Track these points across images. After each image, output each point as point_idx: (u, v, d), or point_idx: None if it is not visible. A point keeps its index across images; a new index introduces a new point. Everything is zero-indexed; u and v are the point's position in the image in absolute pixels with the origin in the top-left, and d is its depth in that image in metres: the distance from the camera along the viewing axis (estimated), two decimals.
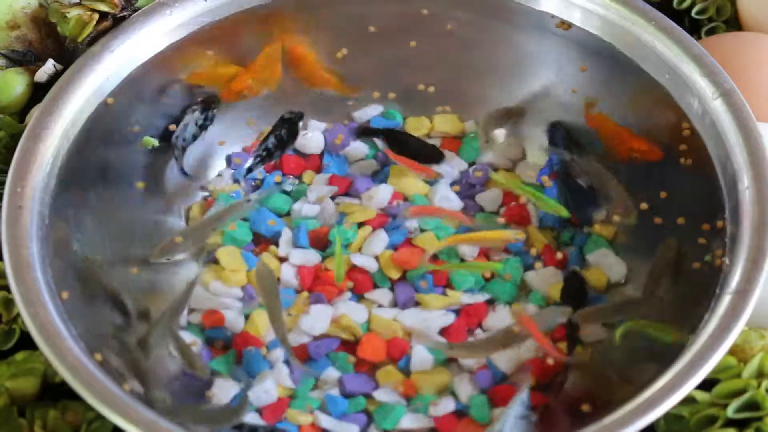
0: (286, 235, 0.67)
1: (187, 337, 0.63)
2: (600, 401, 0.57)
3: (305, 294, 0.65)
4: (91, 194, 0.63)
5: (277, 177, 0.70)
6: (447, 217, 0.67)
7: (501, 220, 0.68)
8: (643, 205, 0.64)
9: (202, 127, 0.68)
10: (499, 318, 0.64)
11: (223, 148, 0.71)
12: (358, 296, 0.66)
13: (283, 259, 0.67)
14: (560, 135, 0.69)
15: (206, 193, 0.70)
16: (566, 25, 0.67)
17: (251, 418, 0.61)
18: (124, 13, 0.65)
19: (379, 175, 0.70)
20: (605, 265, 0.66)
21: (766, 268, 0.56)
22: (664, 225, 0.64)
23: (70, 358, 0.53)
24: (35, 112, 0.63)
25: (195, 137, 0.68)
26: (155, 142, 0.67)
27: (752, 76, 0.70)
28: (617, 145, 0.66)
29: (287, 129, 0.70)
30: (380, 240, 0.67)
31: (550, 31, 0.68)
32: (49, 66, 0.69)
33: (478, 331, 0.64)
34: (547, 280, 0.66)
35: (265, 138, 0.70)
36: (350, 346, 0.63)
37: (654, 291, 0.62)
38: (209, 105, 0.69)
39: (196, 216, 0.69)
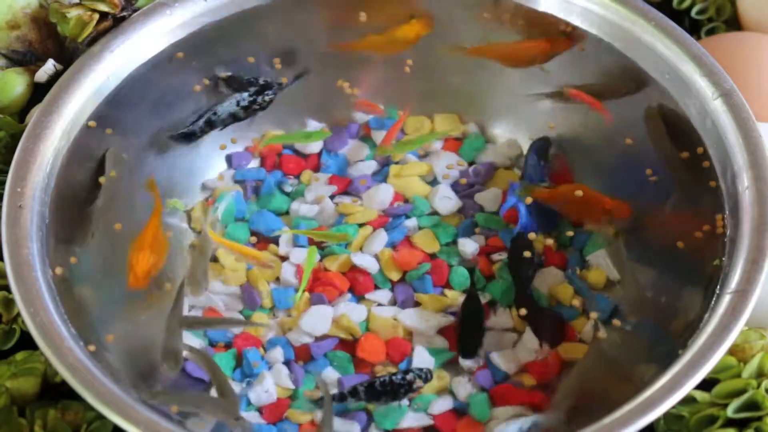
0: (286, 234, 0.67)
1: (190, 337, 0.63)
2: (600, 401, 0.57)
3: (306, 294, 0.65)
4: (91, 194, 0.63)
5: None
6: None
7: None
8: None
9: (247, 109, 0.67)
10: (500, 319, 0.64)
11: (223, 149, 0.71)
12: (358, 297, 0.66)
13: (283, 258, 0.67)
14: (537, 147, 0.70)
15: (207, 194, 0.70)
16: (570, 27, 0.67)
17: (252, 417, 0.61)
18: (124, 13, 0.65)
19: (378, 175, 0.70)
20: (605, 265, 0.66)
21: (766, 268, 0.56)
22: (664, 225, 0.64)
23: (70, 358, 0.53)
24: (35, 112, 0.63)
25: (235, 117, 0.67)
26: (181, 205, 0.68)
27: (752, 76, 0.70)
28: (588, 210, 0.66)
29: None
30: (380, 240, 0.67)
31: (550, 32, 0.68)
32: (49, 66, 0.69)
33: None
34: (547, 280, 0.66)
35: None
36: (349, 345, 0.64)
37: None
38: (263, 90, 0.68)
39: (198, 216, 0.69)
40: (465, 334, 0.63)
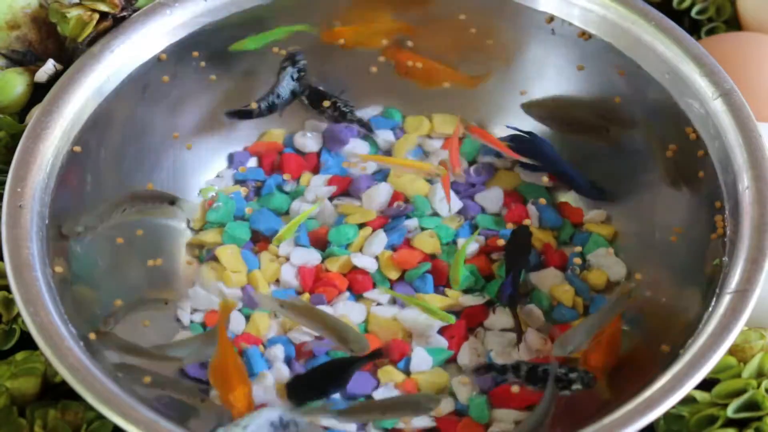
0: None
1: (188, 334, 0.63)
2: (600, 401, 0.57)
3: (306, 295, 0.65)
4: (92, 194, 0.63)
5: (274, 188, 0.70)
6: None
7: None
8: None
9: (300, 80, 0.69)
10: (500, 319, 0.64)
11: (224, 147, 0.71)
12: (357, 297, 0.66)
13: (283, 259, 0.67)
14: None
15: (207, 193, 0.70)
16: (586, 35, 0.67)
17: None
18: (124, 13, 0.65)
19: (378, 175, 0.70)
20: (605, 265, 0.66)
21: (766, 268, 0.56)
22: (664, 225, 0.64)
23: (70, 358, 0.53)
24: (35, 112, 0.63)
25: (294, 93, 0.69)
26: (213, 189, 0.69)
27: (752, 76, 0.70)
28: None
29: None
30: (380, 240, 0.67)
31: (550, 32, 0.68)
32: (49, 66, 0.69)
33: (479, 330, 0.64)
34: (548, 280, 0.66)
35: None
36: None
37: None
38: (294, 59, 0.69)
39: (197, 216, 0.69)
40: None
